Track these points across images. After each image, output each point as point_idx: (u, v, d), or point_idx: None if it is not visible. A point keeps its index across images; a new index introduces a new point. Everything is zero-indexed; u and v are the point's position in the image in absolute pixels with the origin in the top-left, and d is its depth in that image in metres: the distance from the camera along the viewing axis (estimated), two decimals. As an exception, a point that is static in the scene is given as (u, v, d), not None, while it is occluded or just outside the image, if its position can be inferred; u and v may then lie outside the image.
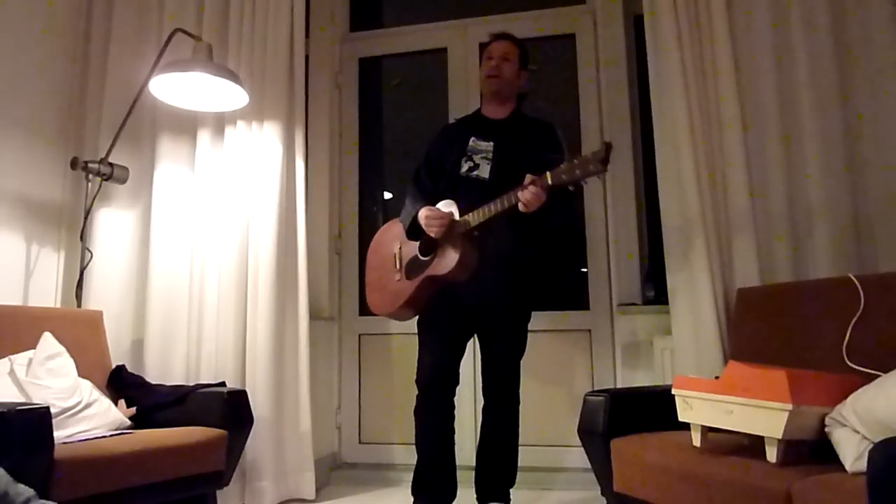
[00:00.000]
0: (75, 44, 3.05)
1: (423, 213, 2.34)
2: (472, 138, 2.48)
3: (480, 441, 2.44)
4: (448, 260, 2.27)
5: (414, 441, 2.42)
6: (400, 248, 2.48)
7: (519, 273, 2.39)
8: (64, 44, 3.00)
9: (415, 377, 2.44)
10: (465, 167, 2.44)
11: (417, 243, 2.41)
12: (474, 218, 2.24)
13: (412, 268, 2.40)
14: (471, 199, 2.29)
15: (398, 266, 2.46)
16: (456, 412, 2.44)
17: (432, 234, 2.30)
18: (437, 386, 2.39)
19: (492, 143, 2.44)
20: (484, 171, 2.41)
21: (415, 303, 2.40)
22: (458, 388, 2.43)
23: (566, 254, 3.34)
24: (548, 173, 2.07)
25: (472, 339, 2.51)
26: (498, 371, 2.39)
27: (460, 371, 2.43)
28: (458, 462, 2.44)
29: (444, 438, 2.40)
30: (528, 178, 2.10)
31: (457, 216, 2.30)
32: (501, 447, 2.39)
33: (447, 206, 2.36)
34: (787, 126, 2.49)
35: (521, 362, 2.41)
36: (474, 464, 2.45)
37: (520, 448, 2.43)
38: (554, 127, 2.49)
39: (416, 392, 2.43)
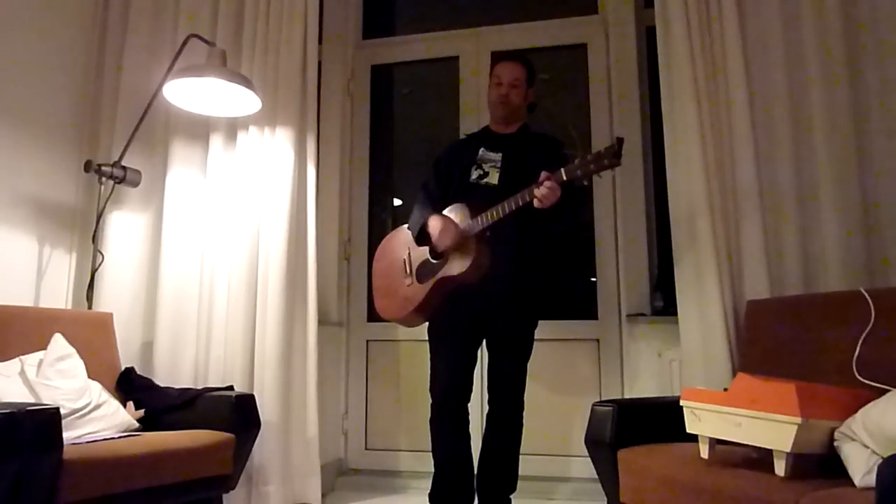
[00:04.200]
0: (90, 48, 3.08)
1: (432, 223, 2.38)
2: (482, 149, 2.53)
3: (483, 446, 2.44)
4: (462, 261, 2.30)
5: (430, 450, 2.44)
6: (409, 254, 2.52)
7: (527, 275, 2.41)
8: (79, 48, 3.03)
9: (428, 386, 2.45)
10: (474, 175, 2.49)
11: (427, 248, 2.44)
12: (488, 218, 2.27)
13: (423, 271, 2.43)
14: (481, 205, 2.32)
15: (408, 271, 2.50)
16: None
17: (443, 248, 2.35)
18: (452, 395, 2.40)
19: (500, 154, 2.50)
20: (493, 178, 2.46)
21: (426, 307, 2.42)
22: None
23: (573, 259, 3.35)
24: (562, 169, 2.13)
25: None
26: (505, 375, 2.40)
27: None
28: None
29: (462, 447, 2.41)
30: (544, 174, 2.15)
31: (468, 219, 2.33)
32: (505, 452, 2.40)
33: (455, 210, 2.39)
34: (798, 137, 2.48)
35: (529, 371, 2.43)
36: (476, 470, 2.45)
37: (526, 457, 2.45)
38: (561, 143, 2.55)
39: (430, 401, 2.44)
